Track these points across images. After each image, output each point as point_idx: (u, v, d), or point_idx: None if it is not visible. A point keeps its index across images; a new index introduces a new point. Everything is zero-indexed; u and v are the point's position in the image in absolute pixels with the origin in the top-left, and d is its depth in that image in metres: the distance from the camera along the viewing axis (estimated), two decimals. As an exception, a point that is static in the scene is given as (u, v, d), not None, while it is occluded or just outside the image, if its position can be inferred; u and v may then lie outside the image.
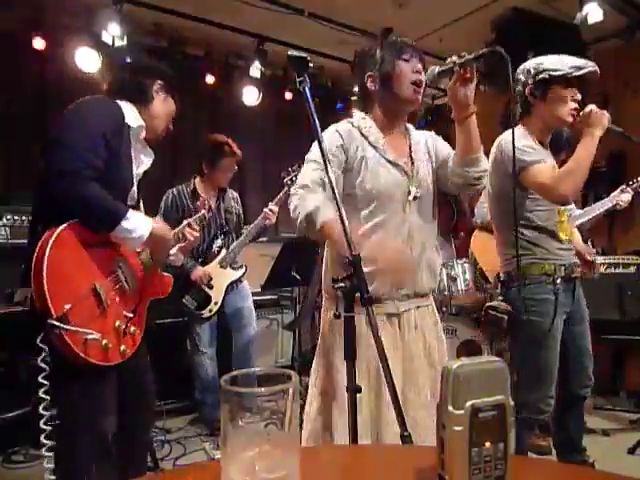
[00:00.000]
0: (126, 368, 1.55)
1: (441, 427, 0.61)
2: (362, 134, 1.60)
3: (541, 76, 1.98)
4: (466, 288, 3.48)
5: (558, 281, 2.00)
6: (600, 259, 3.26)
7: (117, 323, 1.52)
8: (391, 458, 0.81)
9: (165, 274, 1.84)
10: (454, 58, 1.40)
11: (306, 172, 1.54)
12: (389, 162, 1.58)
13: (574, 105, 1.97)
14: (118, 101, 1.64)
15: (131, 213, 1.50)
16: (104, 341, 1.44)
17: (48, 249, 1.33)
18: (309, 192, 1.48)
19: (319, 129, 1.27)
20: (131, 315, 1.59)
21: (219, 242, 3.12)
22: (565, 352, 2.08)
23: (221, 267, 3.08)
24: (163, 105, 1.76)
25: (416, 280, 1.60)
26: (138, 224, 1.52)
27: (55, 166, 1.41)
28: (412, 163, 1.64)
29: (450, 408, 0.59)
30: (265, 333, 3.86)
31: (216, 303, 3.05)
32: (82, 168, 1.41)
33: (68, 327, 1.32)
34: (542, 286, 2.00)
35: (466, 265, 3.49)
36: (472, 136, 1.50)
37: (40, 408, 1.37)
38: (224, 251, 3.11)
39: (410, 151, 1.66)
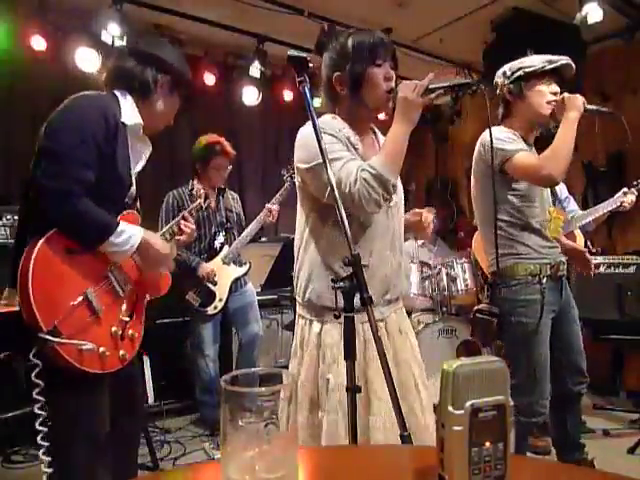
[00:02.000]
0: (120, 374, 1.50)
1: (441, 427, 0.61)
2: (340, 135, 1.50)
3: (516, 74, 2.02)
4: (466, 288, 3.48)
5: (544, 280, 2.00)
6: (600, 259, 3.26)
7: (113, 329, 1.47)
8: (391, 458, 0.81)
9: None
10: (430, 76, 1.40)
11: (343, 168, 1.40)
12: None
13: (552, 97, 1.98)
14: (117, 92, 1.56)
15: (122, 228, 1.44)
16: (101, 349, 1.40)
17: (32, 264, 1.28)
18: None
19: (319, 129, 1.27)
20: (128, 319, 1.54)
21: (221, 239, 3.12)
22: (556, 350, 2.08)
23: (224, 263, 3.08)
24: (166, 101, 1.64)
25: (397, 285, 1.59)
26: (126, 239, 1.46)
27: (44, 181, 1.36)
28: None
29: (450, 408, 0.59)
30: (265, 333, 3.85)
31: (221, 300, 3.05)
32: (72, 185, 1.36)
33: (60, 340, 1.29)
34: (528, 286, 2.00)
35: (466, 265, 3.50)
36: None
37: (37, 424, 1.33)
38: (226, 247, 3.10)
39: None
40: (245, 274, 3.19)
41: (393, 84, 1.49)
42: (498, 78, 2.09)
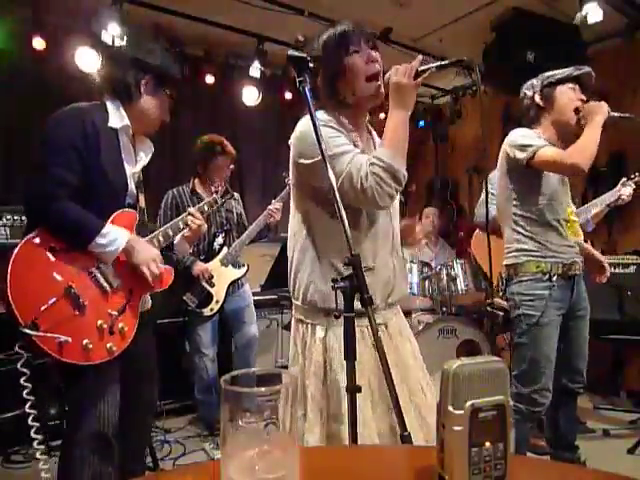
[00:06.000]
0: (127, 353, 1.58)
1: (441, 427, 0.61)
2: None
3: (547, 81, 2.10)
4: (466, 288, 3.48)
5: (554, 278, 2.04)
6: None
7: (99, 322, 1.52)
8: (391, 458, 0.81)
9: (164, 266, 1.73)
10: (419, 58, 1.38)
11: (352, 161, 1.34)
12: None
13: (579, 104, 2.04)
14: (107, 99, 1.65)
15: (107, 229, 1.53)
16: (84, 341, 1.47)
17: (11, 262, 1.41)
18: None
19: (319, 129, 1.27)
20: (117, 313, 1.58)
21: (220, 240, 3.12)
22: (558, 346, 2.10)
23: (222, 265, 3.07)
24: (152, 101, 1.70)
25: (398, 288, 1.55)
26: (112, 240, 1.54)
27: (28, 189, 1.52)
28: None
29: (450, 408, 0.59)
30: (265, 333, 3.85)
31: (218, 301, 3.04)
32: (53, 188, 1.47)
33: (37, 333, 1.39)
34: (538, 282, 2.05)
35: (466, 265, 3.49)
36: None
37: (26, 407, 1.50)
38: (225, 249, 3.10)
39: None
40: (243, 276, 3.18)
41: (379, 66, 1.42)
42: (527, 89, 2.16)
